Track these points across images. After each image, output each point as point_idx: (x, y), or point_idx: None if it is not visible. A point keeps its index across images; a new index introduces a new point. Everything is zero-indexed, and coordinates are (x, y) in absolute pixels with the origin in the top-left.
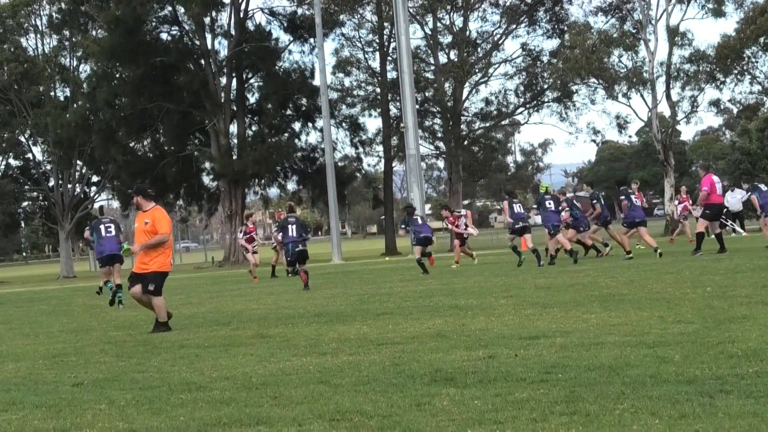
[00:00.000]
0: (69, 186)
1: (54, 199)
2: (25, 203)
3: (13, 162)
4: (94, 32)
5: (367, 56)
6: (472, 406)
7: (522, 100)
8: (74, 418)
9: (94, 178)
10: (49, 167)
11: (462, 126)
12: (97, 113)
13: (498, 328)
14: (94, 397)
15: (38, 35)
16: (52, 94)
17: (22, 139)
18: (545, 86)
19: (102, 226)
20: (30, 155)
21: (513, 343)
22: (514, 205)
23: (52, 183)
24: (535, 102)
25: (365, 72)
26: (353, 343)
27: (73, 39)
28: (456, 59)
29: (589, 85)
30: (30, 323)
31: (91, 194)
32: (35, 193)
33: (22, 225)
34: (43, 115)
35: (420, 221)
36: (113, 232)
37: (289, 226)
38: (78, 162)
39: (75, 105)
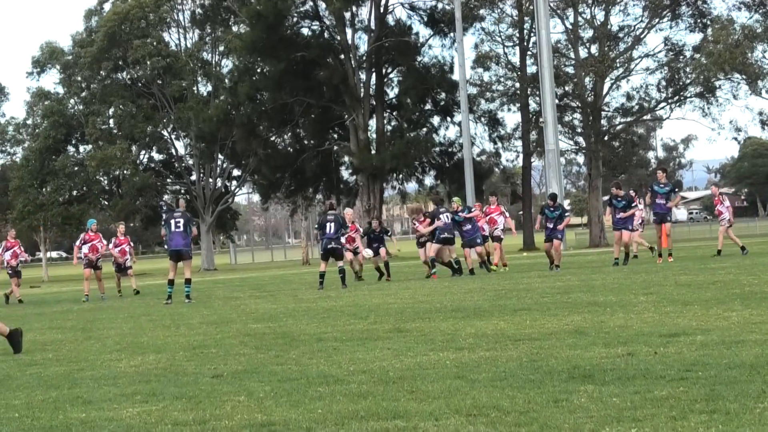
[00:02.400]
0: (210, 180)
1: (195, 193)
2: (167, 196)
3: (156, 156)
4: (235, 27)
5: (506, 51)
6: (610, 404)
7: (664, 95)
8: (213, 409)
9: (235, 172)
10: (191, 161)
11: (602, 121)
12: (239, 108)
13: (637, 325)
14: (233, 388)
15: (180, 30)
16: (195, 88)
17: (165, 133)
18: (687, 81)
19: (173, 221)
20: (172, 149)
21: (652, 341)
22: (441, 215)
23: (193, 176)
24: (677, 97)
25: (505, 67)
26: (490, 338)
27: (215, 34)
28: (597, 54)
29: (732, 81)
30: (171, 315)
31: (232, 188)
32: (177, 187)
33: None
34: (186, 109)
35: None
36: (181, 227)
37: (328, 224)
38: (219, 156)
39: (217, 100)
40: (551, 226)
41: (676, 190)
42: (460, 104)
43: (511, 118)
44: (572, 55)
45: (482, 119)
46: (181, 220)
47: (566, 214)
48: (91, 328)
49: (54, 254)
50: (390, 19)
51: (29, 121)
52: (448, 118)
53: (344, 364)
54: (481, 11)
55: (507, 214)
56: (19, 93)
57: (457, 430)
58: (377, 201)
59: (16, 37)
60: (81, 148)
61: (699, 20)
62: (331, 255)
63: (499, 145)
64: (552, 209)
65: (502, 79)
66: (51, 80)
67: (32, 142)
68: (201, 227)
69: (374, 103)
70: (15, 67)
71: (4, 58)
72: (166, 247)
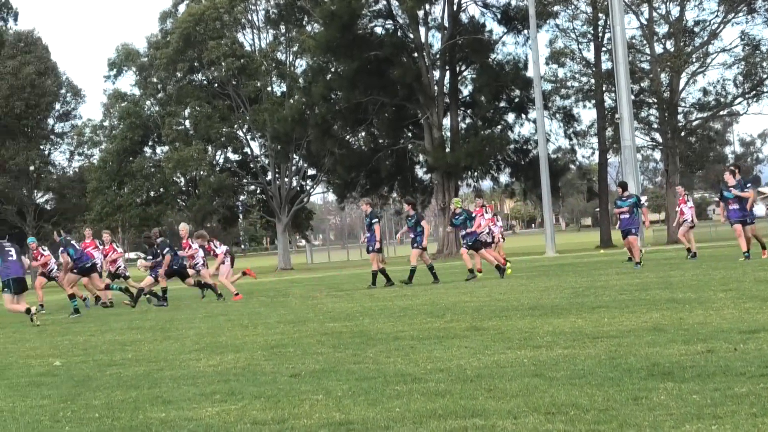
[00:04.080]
0: (285, 179)
1: (271, 193)
2: (243, 197)
3: (231, 156)
4: (309, 27)
5: (581, 47)
6: (690, 401)
7: (741, 90)
8: (292, 408)
9: (310, 172)
10: (266, 161)
11: (679, 117)
12: (313, 107)
13: (716, 322)
14: (311, 387)
15: (255, 30)
16: (269, 89)
17: (240, 133)
18: (765, 76)
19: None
20: (248, 149)
21: (732, 337)
22: (373, 225)
23: (269, 176)
24: (754, 92)
25: (579, 63)
26: (568, 336)
27: (289, 34)
28: (672, 49)
29: None
30: (248, 314)
31: (307, 187)
32: (253, 187)
33: (241, 218)
34: (261, 110)
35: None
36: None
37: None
38: (294, 155)
39: (291, 100)
40: (626, 217)
41: (748, 185)
42: (534, 101)
43: (587, 114)
44: (647, 50)
45: (557, 116)
46: (12, 249)
47: (643, 204)
48: (170, 328)
49: (132, 254)
50: (463, 17)
51: (106, 123)
52: (523, 115)
53: (421, 362)
54: (555, 8)
55: (488, 218)
56: (96, 95)
57: (536, 429)
58: (452, 199)
59: (93, 40)
60: (158, 150)
61: None
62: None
63: (575, 141)
64: (624, 198)
65: (576, 76)
66: (127, 82)
67: (109, 144)
68: (277, 227)
69: (448, 101)
70: (92, 69)
71: (81, 60)
72: None
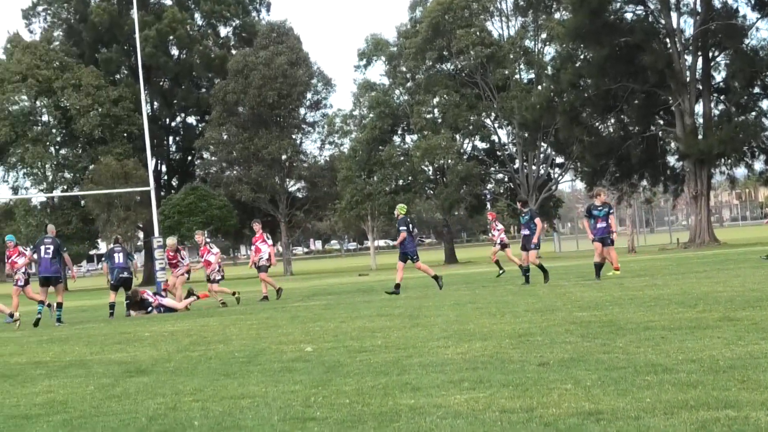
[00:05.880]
0: (533, 167)
1: (519, 181)
2: (490, 185)
3: (479, 144)
4: (557, 14)
5: None
6: None
7: None
8: (540, 397)
9: (558, 159)
10: (513, 149)
11: None
12: (561, 95)
13: None
14: (559, 376)
15: (503, 18)
16: (517, 76)
17: (488, 121)
18: None
19: (42, 246)
20: (495, 137)
21: None
22: (115, 254)
23: (516, 164)
24: None
25: None
26: None
27: (538, 21)
28: None
29: None
30: (496, 303)
31: (555, 175)
32: (500, 175)
33: (488, 206)
34: (509, 98)
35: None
36: (51, 254)
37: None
38: (542, 143)
39: (539, 87)
40: None
41: None
42: None
43: None
44: None
45: None
46: (51, 247)
47: None
48: (418, 315)
49: (381, 243)
50: (716, 2)
51: (356, 113)
52: None
53: (672, 353)
54: None
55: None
56: (346, 85)
57: None
58: (705, 188)
59: (344, 31)
60: (407, 138)
61: None
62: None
63: None
64: None
65: None
66: (377, 72)
67: (359, 133)
68: None
69: (700, 87)
70: (342, 60)
71: (331, 51)
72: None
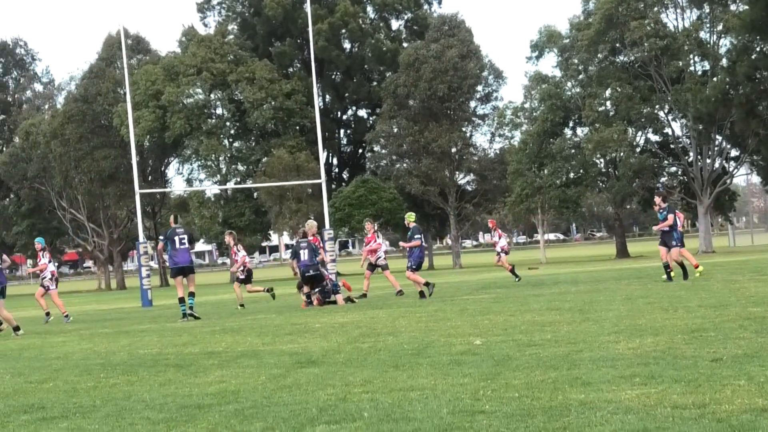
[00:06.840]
0: (708, 160)
1: (692, 174)
2: (663, 178)
3: (651, 137)
4: (734, 6)
5: None
6: None
7: None
8: (713, 393)
9: (734, 153)
10: (687, 142)
11: None
12: (737, 87)
13: None
14: (732, 372)
15: (678, 10)
16: (691, 69)
17: (661, 114)
18: None
19: (176, 237)
20: (668, 130)
21: None
22: (301, 251)
23: (690, 158)
24: None
25: None
26: None
27: (713, 13)
28: None
29: None
30: (668, 297)
31: (730, 169)
32: (674, 168)
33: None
34: (684, 90)
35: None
36: (186, 243)
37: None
38: (717, 136)
39: (714, 79)
40: None
41: None
42: None
43: None
44: None
45: None
46: (186, 236)
47: None
48: (589, 309)
49: (551, 236)
50: None
51: (527, 105)
52: None
53: None
54: None
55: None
56: (517, 77)
57: None
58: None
59: (515, 23)
60: (578, 131)
61: None
62: None
63: None
64: None
65: None
66: (548, 64)
67: (530, 126)
68: (698, 209)
69: None
70: (513, 52)
71: (502, 43)
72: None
